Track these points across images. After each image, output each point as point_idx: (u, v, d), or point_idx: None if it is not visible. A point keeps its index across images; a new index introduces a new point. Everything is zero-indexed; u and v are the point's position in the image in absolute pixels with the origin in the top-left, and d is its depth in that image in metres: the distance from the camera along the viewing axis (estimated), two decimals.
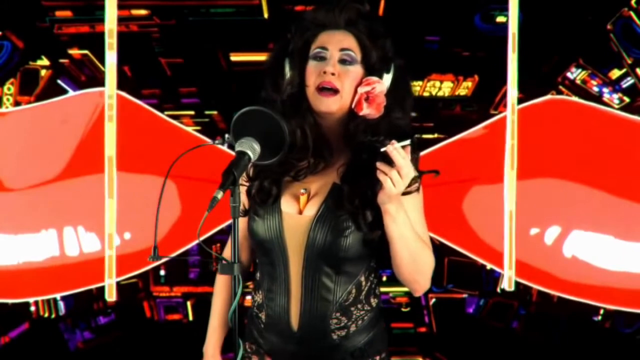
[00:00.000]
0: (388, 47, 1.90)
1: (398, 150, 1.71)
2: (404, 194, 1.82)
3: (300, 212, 1.89)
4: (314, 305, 1.87)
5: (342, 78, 1.85)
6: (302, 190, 1.89)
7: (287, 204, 1.90)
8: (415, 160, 1.85)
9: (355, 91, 1.85)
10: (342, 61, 1.86)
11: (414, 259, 1.83)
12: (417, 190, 1.88)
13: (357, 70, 1.86)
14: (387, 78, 1.87)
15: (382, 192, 1.76)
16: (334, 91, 1.85)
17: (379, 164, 1.74)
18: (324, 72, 1.84)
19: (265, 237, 1.89)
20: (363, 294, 1.91)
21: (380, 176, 1.74)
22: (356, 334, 1.91)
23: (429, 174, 1.91)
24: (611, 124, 3.19)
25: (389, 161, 1.72)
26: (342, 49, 1.86)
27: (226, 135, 1.76)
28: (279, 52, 1.94)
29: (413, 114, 1.95)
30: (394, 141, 1.72)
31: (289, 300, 1.89)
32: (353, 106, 1.86)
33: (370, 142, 1.85)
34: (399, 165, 1.72)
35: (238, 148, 1.71)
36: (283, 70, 1.90)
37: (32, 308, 3.42)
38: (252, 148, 1.71)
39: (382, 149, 1.72)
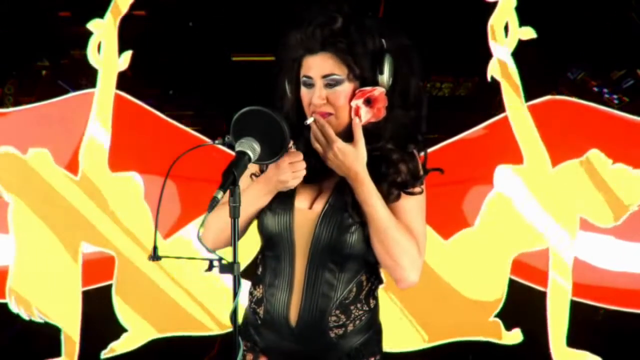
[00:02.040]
0: (376, 45, 1.83)
1: (318, 123, 1.80)
2: (408, 194, 1.84)
3: (311, 207, 1.89)
4: (315, 300, 1.87)
5: (331, 100, 1.83)
6: (310, 120, 1.87)
7: (299, 199, 1.90)
8: (421, 164, 1.89)
9: (350, 106, 1.83)
10: (328, 86, 1.83)
11: (386, 236, 1.82)
12: (421, 192, 1.89)
13: (345, 88, 1.83)
14: (383, 77, 1.84)
15: None
16: (328, 114, 1.84)
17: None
18: (313, 103, 1.83)
19: (274, 231, 1.89)
20: (363, 293, 1.91)
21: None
22: (353, 334, 1.91)
23: (435, 171, 1.93)
24: (611, 124, 3.19)
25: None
26: (324, 76, 1.82)
27: (226, 136, 1.76)
28: (277, 64, 1.93)
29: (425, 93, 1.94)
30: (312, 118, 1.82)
31: (290, 295, 1.89)
32: (352, 117, 1.84)
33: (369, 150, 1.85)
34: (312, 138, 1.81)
35: (238, 148, 1.71)
36: (284, 83, 1.91)
37: None
38: (252, 148, 1.72)
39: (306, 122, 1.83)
